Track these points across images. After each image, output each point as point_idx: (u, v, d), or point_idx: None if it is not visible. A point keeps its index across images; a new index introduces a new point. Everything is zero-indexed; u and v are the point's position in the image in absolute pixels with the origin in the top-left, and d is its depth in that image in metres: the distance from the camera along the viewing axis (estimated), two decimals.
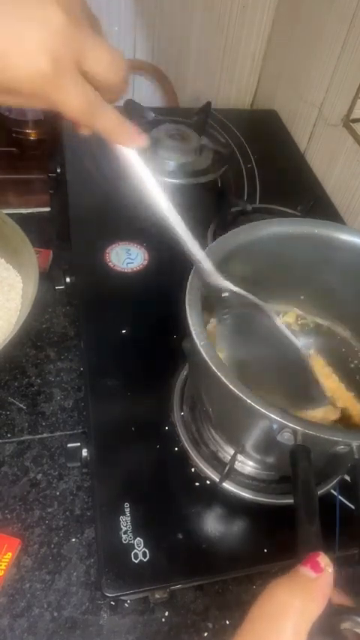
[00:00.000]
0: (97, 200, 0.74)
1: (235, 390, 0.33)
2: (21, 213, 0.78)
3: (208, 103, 0.89)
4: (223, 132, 0.91)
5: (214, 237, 0.70)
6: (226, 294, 0.41)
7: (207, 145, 0.85)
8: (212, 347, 0.36)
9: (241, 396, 0.33)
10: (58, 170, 0.80)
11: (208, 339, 0.36)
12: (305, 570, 0.22)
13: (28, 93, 0.26)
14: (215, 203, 0.75)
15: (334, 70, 0.80)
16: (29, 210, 0.79)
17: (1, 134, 0.89)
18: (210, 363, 0.34)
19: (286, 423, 0.32)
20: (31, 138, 0.88)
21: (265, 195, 0.79)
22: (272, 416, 0.32)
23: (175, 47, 0.95)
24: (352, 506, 0.36)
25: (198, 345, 0.35)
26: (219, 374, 0.34)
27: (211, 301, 0.43)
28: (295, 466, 0.31)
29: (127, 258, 0.66)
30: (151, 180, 0.34)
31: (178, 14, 0.90)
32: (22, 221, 0.63)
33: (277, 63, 0.99)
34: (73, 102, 0.27)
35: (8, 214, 0.63)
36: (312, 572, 0.22)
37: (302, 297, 0.53)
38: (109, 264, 0.65)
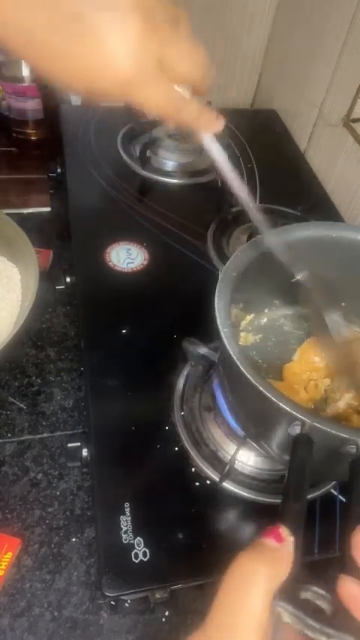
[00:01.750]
0: (97, 200, 0.74)
1: (250, 378, 0.33)
2: (21, 213, 0.78)
3: (208, 103, 0.88)
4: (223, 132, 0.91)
5: (214, 237, 0.71)
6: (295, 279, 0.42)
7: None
8: (233, 334, 0.36)
9: (255, 383, 0.33)
10: (59, 170, 0.80)
11: (231, 327, 0.36)
12: (268, 541, 0.24)
13: (114, 96, 0.28)
14: (215, 203, 0.75)
15: (334, 70, 0.80)
16: (29, 210, 0.79)
17: (2, 134, 0.89)
18: (229, 350, 0.35)
19: (295, 414, 0.32)
20: (32, 138, 0.88)
21: (265, 195, 0.79)
22: (283, 406, 0.32)
23: None
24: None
25: (221, 331, 0.36)
26: (236, 360, 0.34)
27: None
28: (295, 451, 0.31)
29: (127, 258, 0.66)
30: (226, 163, 0.35)
31: None
32: (23, 221, 0.63)
33: (277, 63, 0.99)
34: (155, 102, 0.30)
35: (9, 214, 0.63)
36: (275, 542, 0.24)
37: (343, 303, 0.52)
38: (109, 264, 0.65)
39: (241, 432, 0.47)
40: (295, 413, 0.32)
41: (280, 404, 0.32)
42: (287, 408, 0.32)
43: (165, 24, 0.27)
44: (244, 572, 0.23)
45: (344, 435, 0.31)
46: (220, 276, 0.39)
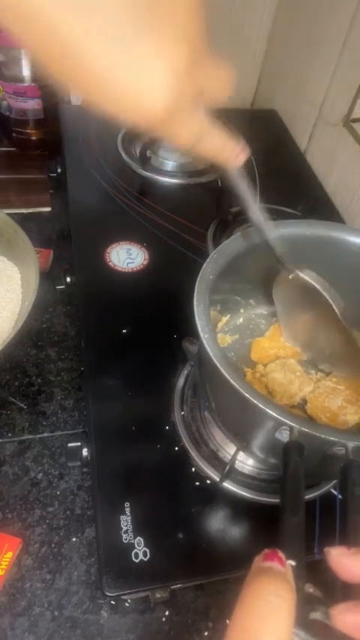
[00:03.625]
0: (97, 200, 0.74)
1: (235, 385, 0.33)
2: (22, 213, 0.78)
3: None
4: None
5: (214, 237, 0.71)
6: (292, 276, 0.42)
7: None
8: (216, 340, 0.36)
9: (241, 390, 0.33)
10: (59, 170, 0.80)
11: (212, 332, 0.36)
12: (275, 565, 0.23)
13: (146, 125, 0.26)
14: (215, 203, 0.75)
15: (334, 70, 0.80)
16: (30, 210, 0.79)
17: (2, 134, 0.89)
18: (212, 356, 0.34)
19: (283, 419, 0.32)
20: (32, 138, 0.88)
21: (265, 195, 0.78)
22: (270, 412, 0.32)
23: None
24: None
25: (202, 337, 0.35)
26: (219, 367, 0.34)
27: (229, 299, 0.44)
28: (287, 459, 0.31)
29: (127, 258, 0.66)
30: (248, 193, 0.35)
31: None
32: (23, 221, 0.63)
33: (277, 63, 0.99)
34: (185, 133, 0.28)
35: (9, 214, 0.63)
36: (281, 567, 0.23)
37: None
38: (110, 263, 0.65)
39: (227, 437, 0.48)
40: (283, 419, 0.32)
41: (268, 410, 0.32)
42: (276, 414, 0.32)
43: (203, 41, 0.26)
44: (265, 598, 0.21)
45: (333, 438, 0.31)
46: (197, 280, 0.39)
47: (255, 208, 0.37)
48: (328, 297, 0.42)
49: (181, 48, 0.24)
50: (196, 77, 0.25)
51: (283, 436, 0.33)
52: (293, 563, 0.23)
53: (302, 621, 0.22)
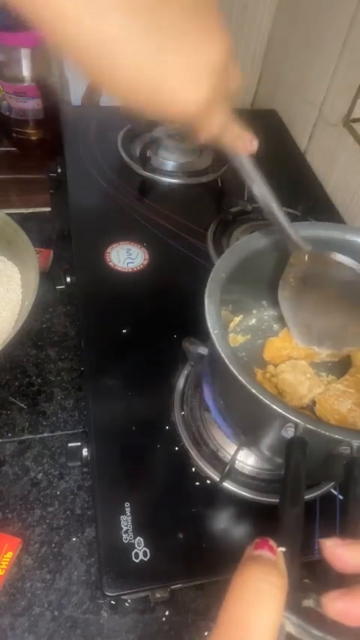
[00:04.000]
0: (97, 200, 0.74)
1: (243, 381, 0.33)
2: (22, 213, 0.78)
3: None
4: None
5: (214, 237, 0.71)
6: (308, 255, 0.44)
7: (207, 145, 0.85)
8: (224, 336, 0.36)
9: (248, 386, 0.33)
10: (59, 170, 0.80)
11: (222, 329, 0.36)
12: (265, 553, 0.23)
13: (176, 119, 0.27)
14: (215, 203, 0.75)
15: (334, 70, 0.80)
16: (30, 210, 0.79)
17: (2, 134, 0.89)
18: (220, 352, 0.34)
19: (288, 415, 0.32)
20: (32, 138, 0.88)
21: None
22: (275, 408, 0.32)
23: None
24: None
25: (211, 333, 0.36)
26: (227, 363, 0.34)
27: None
28: (289, 455, 0.31)
29: (127, 257, 0.66)
30: (259, 178, 0.38)
31: None
32: (23, 221, 0.63)
33: (277, 63, 0.99)
34: (214, 127, 0.30)
35: (9, 214, 0.63)
36: (271, 554, 0.23)
37: None
38: (110, 263, 0.65)
39: (233, 435, 0.48)
40: (288, 415, 0.32)
41: (274, 406, 0.32)
42: (281, 411, 0.32)
43: (232, 50, 0.27)
44: (254, 585, 0.21)
45: (338, 437, 0.31)
46: (209, 278, 0.39)
47: (265, 191, 0.39)
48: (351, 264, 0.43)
49: (217, 46, 0.25)
50: (227, 75, 0.27)
51: (289, 434, 0.33)
52: (283, 549, 0.24)
53: (295, 608, 0.22)
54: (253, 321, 0.53)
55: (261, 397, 0.32)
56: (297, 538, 0.26)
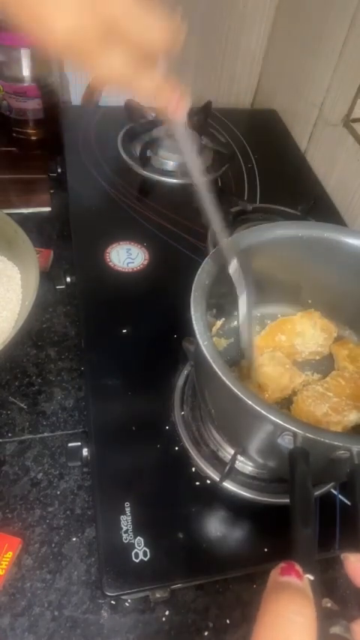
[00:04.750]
0: (97, 200, 0.74)
1: (237, 392, 0.33)
2: (22, 213, 0.78)
3: (209, 103, 0.89)
4: (223, 131, 0.92)
5: (215, 238, 0.71)
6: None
7: (207, 145, 0.85)
8: (215, 347, 0.36)
9: (243, 397, 0.33)
10: (59, 170, 0.80)
11: (211, 339, 0.36)
12: (294, 581, 0.22)
13: (52, 45, 0.29)
14: (215, 203, 0.75)
15: (334, 69, 0.80)
16: (30, 210, 0.79)
17: (2, 134, 0.89)
18: (212, 364, 0.34)
19: (286, 425, 0.32)
20: (32, 138, 0.88)
21: (265, 195, 0.79)
22: (273, 418, 0.32)
23: None
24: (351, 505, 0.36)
25: (201, 344, 0.35)
26: (221, 374, 0.34)
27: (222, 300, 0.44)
28: (293, 468, 0.31)
29: (127, 257, 0.66)
30: (191, 152, 0.36)
31: None
32: (23, 221, 0.63)
33: (277, 63, 0.99)
34: (108, 69, 0.30)
35: (9, 214, 0.63)
36: (299, 582, 0.22)
37: (310, 301, 0.53)
38: (110, 263, 0.65)
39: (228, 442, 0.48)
40: (287, 425, 0.32)
41: (271, 416, 0.32)
42: (279, 421, 0.32)
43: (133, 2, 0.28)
44: (290, 618, 0.20)
45: (337, 443, 0.31)
46: (193, 286, 0.39)
47: (196, 171, 0.37)
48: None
49: None
50: (105, 15, 0.28)
51: (285, 441, 0.33)
52: (311, 577, 0.23)
53: (321, 633, 0.21)
54: (235, 323, 0.53)
55: (259, 409, 0.32)
56: (312, 559, 0.26)
